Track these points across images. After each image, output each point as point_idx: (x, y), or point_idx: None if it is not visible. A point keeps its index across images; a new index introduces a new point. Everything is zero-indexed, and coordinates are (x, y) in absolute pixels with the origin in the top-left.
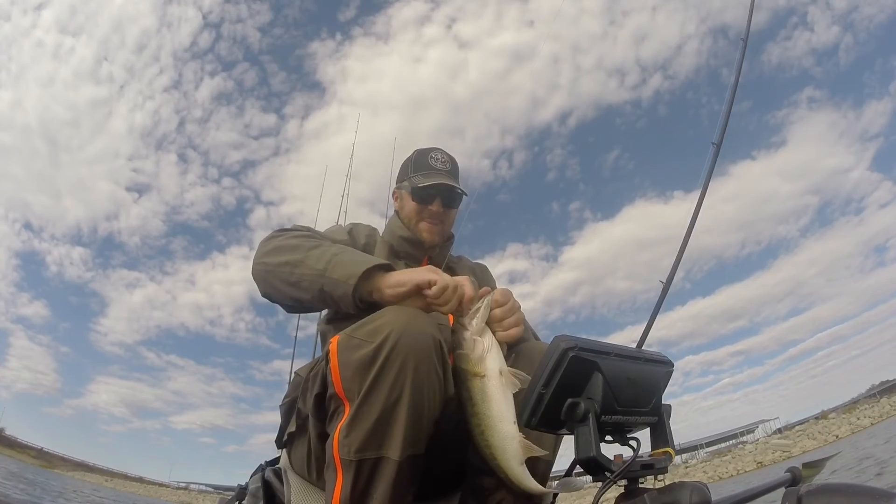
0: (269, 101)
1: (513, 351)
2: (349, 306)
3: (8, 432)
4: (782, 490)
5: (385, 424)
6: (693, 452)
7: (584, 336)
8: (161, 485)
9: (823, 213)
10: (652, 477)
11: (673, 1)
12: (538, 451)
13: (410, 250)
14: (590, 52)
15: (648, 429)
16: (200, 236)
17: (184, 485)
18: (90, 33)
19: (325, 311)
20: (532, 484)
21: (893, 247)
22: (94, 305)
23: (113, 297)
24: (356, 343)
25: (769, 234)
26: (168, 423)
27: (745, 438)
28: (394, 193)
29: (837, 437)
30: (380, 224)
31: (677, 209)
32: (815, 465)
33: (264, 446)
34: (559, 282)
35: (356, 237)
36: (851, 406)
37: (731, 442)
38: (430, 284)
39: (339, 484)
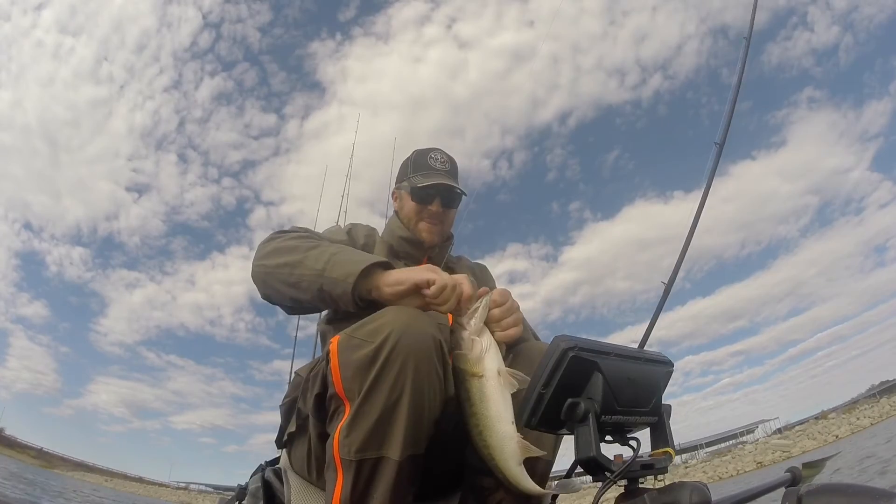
0: (269, 101)
1: (512, 351)
2: (349, 305)
3: (8, 432)
4: (782, 490)
5: (385, 424)
6: (693, 452)
7: (584, 336)
8: (161, 485)
9: (823, 213)
10: (652, 477)
11: (673, 1)
12: (536, 452)
13: (410, 250)
14: (590, 52)
15: (648, 429)
16: (200, 236)
17: (184, 485)
18: (90, 33)
19: (324, 312)
20: (530, 484)
21: (893, 247)
22: (94, 305)
23: (113, 297)
24: (356, 343)
25: (769, 234)
26: (168, 423)
27: (744, 438)
28: (393, 194)
29: (837, 437)
30: (380, 224)
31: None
32: (815, 465)
33: (264, 446)
34: (559, 282)
35: (355, 237)
36: (851, 406)
37: (730, 442)
38: (428, 284)
39: (340, 484)
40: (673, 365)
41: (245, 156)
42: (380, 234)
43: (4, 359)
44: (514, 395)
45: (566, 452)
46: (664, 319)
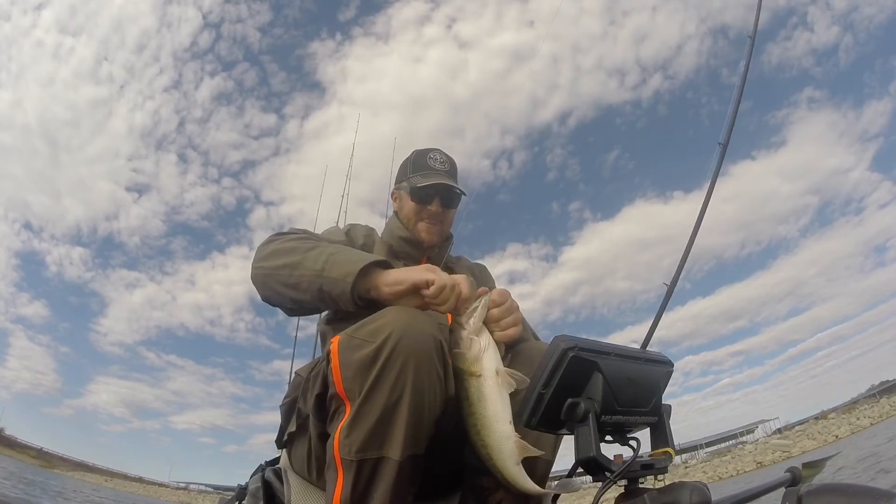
0: (269, 101)
1: (511, 351)
2: (348, 304)
3: (8, 432)
4: (782, 490)
5: (386, 424)
6: (693, 452)
7: (584, 336)
8: (161, 485)
9: (823, 213)
10: (652, 477)
11: (673, 1)
12: (534, 452)
13: (409, 250)
14: (590, 52)
15: (648, 429)
16: (200, 236)
17: (183, 485)
18: (90, 33)
19: (324, 312)
20: (529, 484)
21: (893, 247)
22: (94, 305)
23: (113, 297)
24: (357, 343)
25: (769, 234)
26: (168, 423)
27: (744, 438)
28: (393, 194)
29: (837, 437)
30: (380, 224)
31: (677, 209)
32: (815, 465)
33: (264, 446)
34: (559, 282)
35: (354, 238)
36: (851, 406)
37: (730, 442)
38: (427, 284)
39: (340, 484)
40: (673, 365)
41: (245, 156)
42: (379, 235)
43: (4, 359)
44: (512, 395)
45: (566, 453)
46: (664, 319)
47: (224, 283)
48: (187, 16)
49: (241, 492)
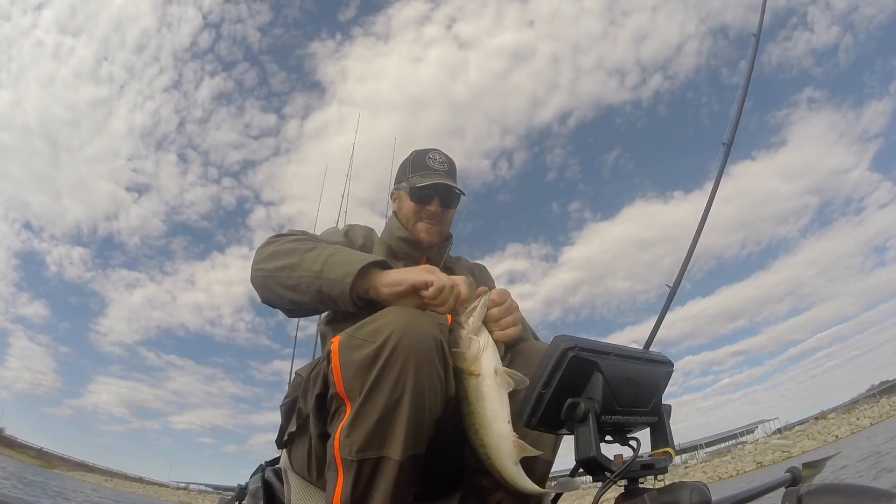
0: (269, 101)
1: (511, 351)
2: (347, 305)
3: (8, 432)
4: (782, 490)
5: (386, 424)
6: (693, 452)
7: (584, 336)
8: (161, 485)
9: (823, 213)
10: (652, 477)
11: (673, 1)
12: (532, 452)
13: (409, 250)
14: (590, 52)
15: (648, 429)
16: (200, 236)
17: (183, 485)
18: (90, 33)
19: (324, 313)
20: (527, 484)
21: (893, 247)
22: (94, 305)
23: (113, 297)
24: (357, 343)
25: (769, 234)
26: (168, 423)
27: (744, 438)
28: (392, 194)
29: (837, 437)
30: (380, 224)
31: (677, 209)
32: (815, 465)
33: (264, 446)
34: (559, 282)
35: (353, 238)
36: (851, 406)
37: (730, 442)
38: (426, 285)
39: (340, 484)
40: (673, 365)
41: (245, 156)
42: (378, 235)
43: (4, 359)
44: (512, 395)
45: (566, 453)
46: (665, 320)
47: (224, 283)
48: (187, 16)
49: (241, 492)
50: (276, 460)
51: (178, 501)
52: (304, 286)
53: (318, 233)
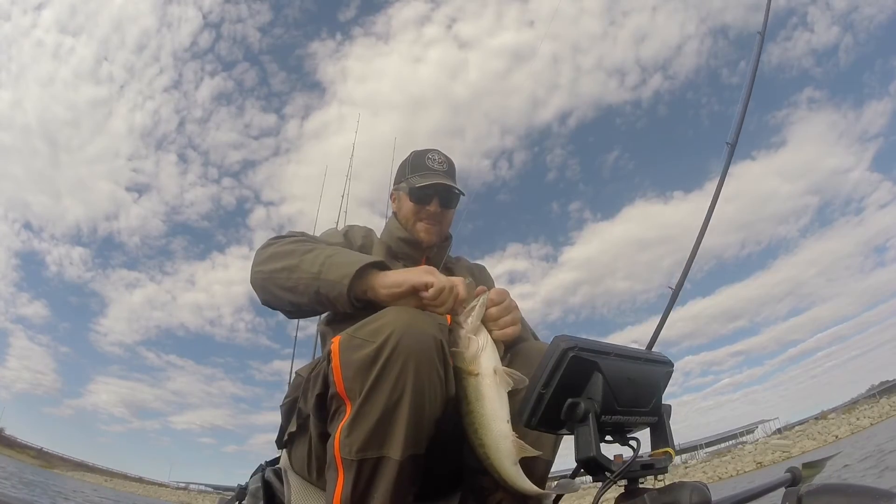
0: (269, 101)
1: (510, 351)
2: (345, 306)
3: (8, 432)
4: (782, 490)
5: (386, 424)
6: (693, 452)
7: (584, 336)
8: (161, 485)
9: (823, 213)
10: (652, 477)
11: (673, 1)
12: (531, 452)
13: (408, 251)
14: (590, 52)
15: (648, 429)
16: (200, 236)
17: (183, 485)
18: (90, 33)
19: (324, 313)
20: (526, 483)
21: (893, 247)
22: (94, 305)
23: (113, 297)
24: (358, 343)
25: (769, 234)
26: (168, 423)
27: (744, 439)
28: (391, 195)
29: (837, 437)
30: (380, 225)
31: (677, 209)
32: (815, 465)
33: (264, 446)
34: (559, 282)
35: (352, 239)
36: (851, 406)
37: (730, 442)
38: (427, 286)
39: (340, 483)
40: (673, 365)
41: (245, 156)
42: (378, 236)
43: (4, 359)
44: (512, 395)
45: (567, 453)
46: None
47: (224, 283)
48: (187, 16)
49: (241, 492)
50: (276, 460)
51: (178, 501)
52: (303, 288)
53: (317, 233)
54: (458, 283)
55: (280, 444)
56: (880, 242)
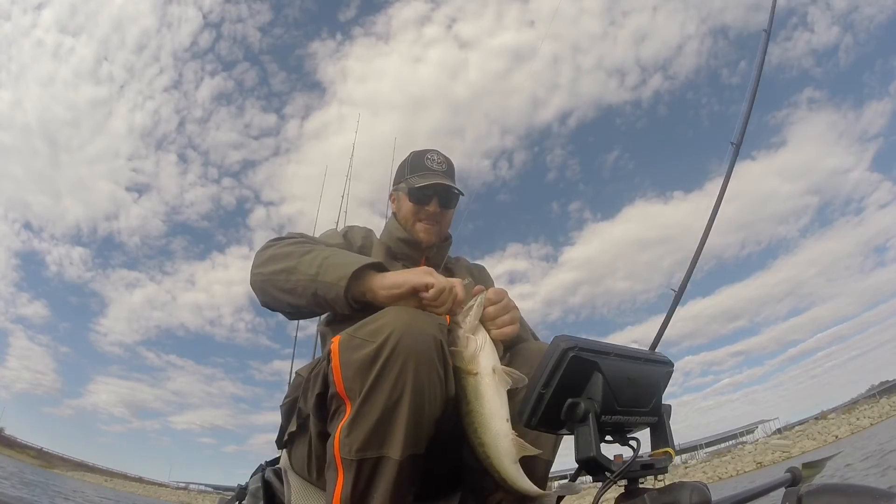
0: (269, 101)
1: (510, 351)
2: (343, 308)
3: (8, 432)
4: (782, 490)
5: (386, 424)
6: (693, 452)
7: (584, 336)
8: (161, 485)
9: (823, 213)
10: (652, 477)
11: (673, 1)
12: (531, 451)
13: (408, 251)
14: (590, 52)
15: (648, 429)
16: (200, 236)
17: (183, 485)
18: (90, 33)
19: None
20: (525, 483)
21: (893, 247)
22: (94, 305)
23: (113, 297)
24: (358, 343)
25: (769, 234)
26: (168, 423)
27: (744, 439)
28: (391, 195)
29: (837, 437)
30: (380, 225)
31: (677, 209)
32: (815, 465)
33: (264, 446)
34: (559, 282)
35: (352, 240)
36: (851, 406)
37: (730, 442)
38: (427, 287)
39: (340, 483)
40: (673, 365)
41: (245, 156)
42: (377, 236)
43: (4, 359)
44: (512, 395)
45: (567, 453)
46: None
47: (224, 283)
48: (187, 16)
49: (241, 492)
50: (276, 460)
51: (177, 501)
52: (301, 290)
53: (317, 233)
54: (457, 283)
55: (280, 444)
56: (880, 242)
